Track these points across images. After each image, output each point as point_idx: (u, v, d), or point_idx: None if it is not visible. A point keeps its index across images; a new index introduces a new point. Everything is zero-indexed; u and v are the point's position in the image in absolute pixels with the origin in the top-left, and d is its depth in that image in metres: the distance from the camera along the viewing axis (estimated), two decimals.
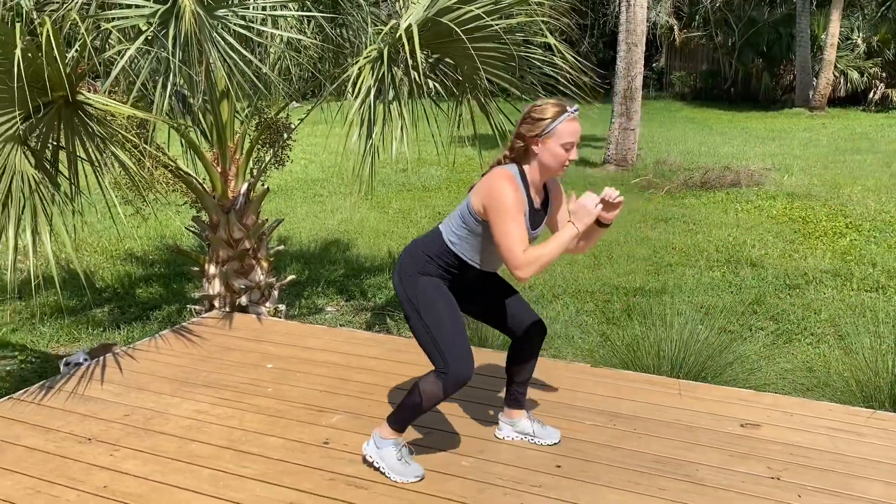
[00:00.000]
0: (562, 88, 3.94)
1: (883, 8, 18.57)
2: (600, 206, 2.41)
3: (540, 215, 2.60)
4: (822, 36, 17.30)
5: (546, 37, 3.72)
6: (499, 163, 2.58)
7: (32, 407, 3.14)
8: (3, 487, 2.54)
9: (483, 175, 2.56)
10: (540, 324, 2.80)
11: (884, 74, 17.66)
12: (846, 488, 2.54)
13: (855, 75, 17.68)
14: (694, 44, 20.83)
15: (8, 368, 4.48)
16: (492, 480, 2.59)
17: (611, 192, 2.45)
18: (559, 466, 2.68)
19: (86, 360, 3.45)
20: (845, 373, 3.73)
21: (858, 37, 18.06)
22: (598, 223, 2.53)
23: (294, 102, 6.68)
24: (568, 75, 3.84)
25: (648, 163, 11.13)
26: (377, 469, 2.62)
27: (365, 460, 2.66)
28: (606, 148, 11.13)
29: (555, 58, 3.82)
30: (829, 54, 16.62)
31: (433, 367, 2.54)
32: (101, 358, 3.65)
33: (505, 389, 2.91)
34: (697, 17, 20.51)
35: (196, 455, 2.76)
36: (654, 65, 21.36)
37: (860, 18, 18.59)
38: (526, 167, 2.51)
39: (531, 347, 2.81)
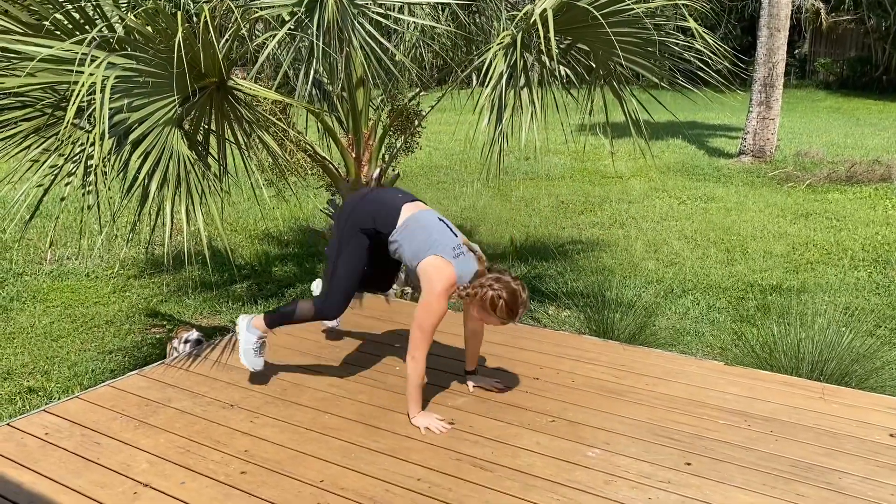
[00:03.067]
0: (701, 74, 3.80)
1: None
2: (429, 427, 2.86)
3: None
4: None
5: (687, 20, 3.58)
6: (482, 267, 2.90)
7: (182, 373, 3.38)
8: (157, 445, 2.75)
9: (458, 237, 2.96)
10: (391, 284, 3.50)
11: None
12: None
13: None
14: (842, 28, 19.42)
15: (158, 336, 4.84)
16: (618, 473, 2.55)
17: (444, 426, 2.86)
18: (689, 464, 2.60)
19: (200, 338, 3.74)
20: None
21: None
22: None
23: (422, 91, 6.78)
24: (707, 61, 3.69)
25: (788, 155, 10.53)
26: (238, 340, 3.19)
27: (233, 326, 3.00)
28: (743, 138, 10.62)
29: (695, 43, 3.68)
30: None
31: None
32: None
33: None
34: None
35: (329, 427, 2.88)
36: (796, 51, 20.10)
37: None
38: (471, 297, 2.84)
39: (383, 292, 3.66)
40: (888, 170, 8.97)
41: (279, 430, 2.86)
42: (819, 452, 2.67)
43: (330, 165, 4.49)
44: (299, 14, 3.51)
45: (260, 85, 3.82)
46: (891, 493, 2.43)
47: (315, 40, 3.38)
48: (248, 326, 3.19)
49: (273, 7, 3.66)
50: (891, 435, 2.79)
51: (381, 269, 3.30)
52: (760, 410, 2.98)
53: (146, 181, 3.29)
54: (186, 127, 3.51)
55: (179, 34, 2.95)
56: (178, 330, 3.87)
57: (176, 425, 2.90)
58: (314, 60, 3.48)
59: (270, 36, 3.63)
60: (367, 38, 3.62)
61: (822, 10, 19.46)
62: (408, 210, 3.00)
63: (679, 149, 11.61)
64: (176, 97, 3.21)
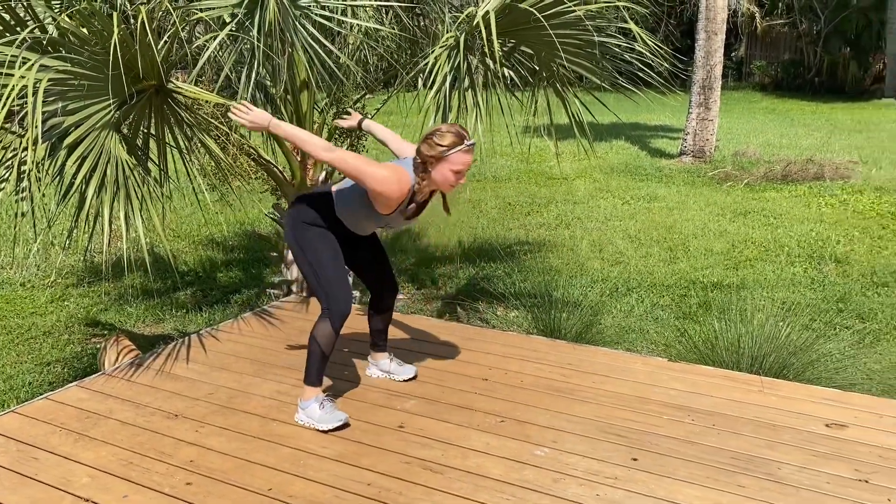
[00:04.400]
0: (642, 76, 3.88)
1: None
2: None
3: (419, 211, 2.94)
4: None
5: (627, 22, 3.65)
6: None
7: (124, 383, 3.29)
8: (99, 458, 2.67)
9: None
10: (394, 284, 3.30)
11: None
12: None
13: None
14: (776, 32, 20.07)
15: (99, 346, 4.71)
16: (566, 471, 2.58)
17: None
18: (635, 459, 2.65)
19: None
20: None
21: None
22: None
23: (368, 94, 6.74)
24: (647, 63, 3.77)
25: (727, 154, 10.82)
26: (308, 427, 2.85)
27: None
28: (683, 139, 10.87)
29: (635, 45, 3.76)
30: None
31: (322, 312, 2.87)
32: (186, 338, 3.79)
33: (370, 336, 3.34)
34: (781, 3, 19.75)
35: (277, 434, 2.85)
36: (733, 54, 20.69)
37: None
38: (422, 179, 2.78)
39: (388, 301, 3.29)
40: (821, 168, 9.30)
41: (226, 439, 2.81)
42: (759, 444, 2.75)
43: (275, 169, 4.43)
44: (240, 16, 3.46)
45: (201, 88, 3.76)
46: (826, 481, 2.51)
47: (256, 42, 3.33)
48: (304, 404, 2.90)
49: (213, 9, 3.60)
50: (826, 425, 2.89)
51: (355, 252, 3.15)
52: (703, 405, 3.05)
53: (83, 186, 3.20)
54: (125, 131, 3.42)
55: (115, 36, 2.88)
56: (111, 339, 3.77)
57: (118, 437, 2.82)
58: (255, 63, 3.43)
59: (211, 38, 3.56)
60: (310, 40, 3.59)
61: (758, 14, 20.08)
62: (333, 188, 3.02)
63: (622, 150, 11.82)
64: (112, 100, 3.13)
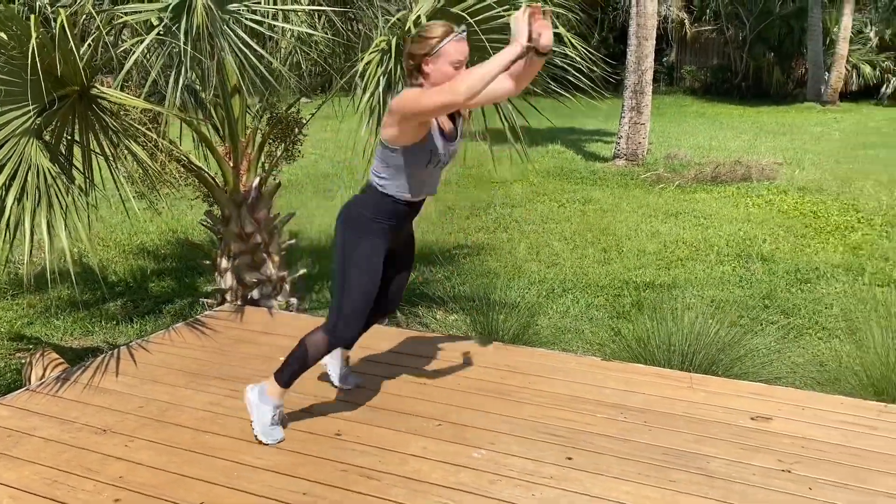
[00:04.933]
0: (572, 80, 3.94)
1: (895, 2, 18.41)
2: (527, 13, 2.44)
3: (450, 138, 2.68)
4: (835, 30, 17.18)
5: (557, 28, 3.71)
6: None
7: (49, 399, 3.18)
8: (21, 477, 2.57)
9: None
10: (394, 306, 3.10)
11: None
12: (857, 481, 2.54)
13: (867, 69, 17.55)
14: (705, 38, 20.70)
15: (24, 361, 4.52)
16: (504, 472, 2.60)
17: (532, 7, 2.47)
18: (570, 458, 2.69)
19: None
20: (857, 367, 3.72)
21: (871, 30, 17.92)
22: (538, 52, 2.56)
23: (304, 98, 6.66)
24: (579, 67, 3.84)
25: (659, 157, 11.10)
26: (250, 420, 2.78)
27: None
28: (617, 143, 11.10)
29: (565, 49, 3.82)
30: (841, 48, 16.51)
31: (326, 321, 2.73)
32: (115, 350, 3.69)
33: None
34: (708, 10, 20.39)
35: (210, 446, 2.79)
36: (664, 59, 21.24)
37: (873, 12, 18.44)
38: (420, 86, 2.53)
39: (379, 318, 3.13)
40: (748, 170, 9.62)
41: (157, 453, 2.74)
42: (689, 439, 2.82)
43: (206, 175, 4.35)
44: (166, 20, 3.38)
45: (127, 93, 3.66)
46: (753, 472, 2.60)
47: (183, 46, 3.27)
48: (261, 397, 2.77)
49: (140, 12, 3.51)
50: (752, 418, 2.99)
51: (392, 264, 2.88)
52: (635, 402, 3.12)
53: (2, 195, 3.08)
54: (47, 138, 3.31)
55: (33, 40, 2.78)
56: (36, 353, 3.64)
57: (42, 455, 2.72)
58: (183, 67, 3.36)
59: (138, 42, 3.47)
60: (240, 44, 3.54)
61: (687, 21, 20.67)
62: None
63: (558, 153, 12.00)
64: (32, 106, 3.02)
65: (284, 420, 2.87)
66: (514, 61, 2.47)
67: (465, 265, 6.28)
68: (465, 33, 2.53)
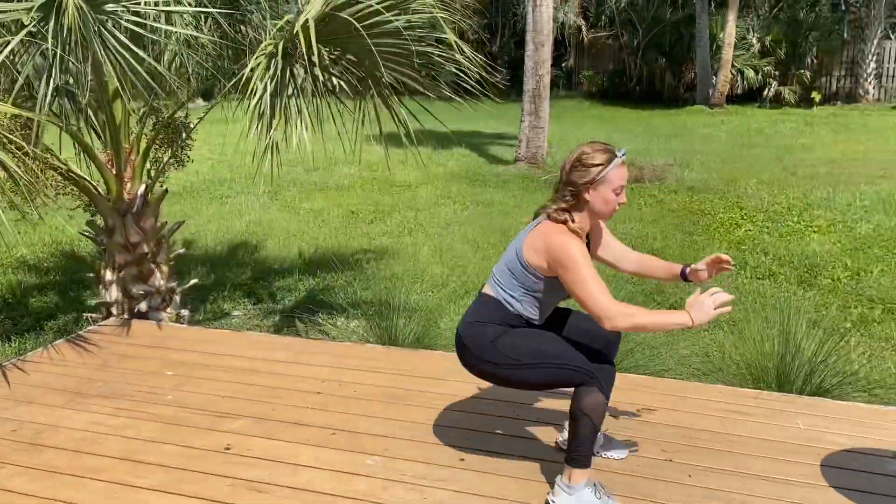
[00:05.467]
0: (465, 86, 3.98)
1: (775, 9, 19.57)
2: (721, 310, 2.32)
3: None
4: (721, 36, 18.08)
5: (446, 33, 3.74)
6: (544, 209, 2.50)
7: None
8: None
9: (532, 228, 2.50)
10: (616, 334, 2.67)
11: (776, 73, 18.59)
12: (734, 466, 2.67)
13: (751, 74, 18.53)
14: (601, 43, 21.39)
15: None
16: (396, 477, 2.59)
17: (723, 297, 2.34)
18: (462, 459, 2.70)
19: None
20: (737, 357, 3.91)
21: (753, 37, 18.95)
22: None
23: (200, 100, 6.47)
24: (472, 73, 3.88)
25: (558, 160, 11.36)
26: None
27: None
28: (518, 146, 11.30)
29: (455, 55, 3.85)
30: (726, 54, 17.39)
31: (575, 387, 2.40)
32: None
33: None
34: (604, 17, 21.08)
35: (89, 468, 2.65)
36: (563, 64, 21.81)
37: (755, 19, 19.52)
38: (575, 215, 2.43)
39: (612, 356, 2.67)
40: (641, 171, 9.99)
41: (30, 479, 2.59)
42: (558, 431, 2.88)
43: (87, 184, 4.15)
44: (34, 21, 3.20)
45: None
46: (637, 463, 2.68)
47: (52, 48, 3.10)
48: (571, 488, 2.42)
49: (8, 12, 3.32)
50: (638, 410, 3.09)
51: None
52: (524, 399, 3.17)
53: None
54: None
55: None
56: None
57: None
58: (55, 71, 3.20)
59: (3, 44, 3.27)
60: (119, 47, 3.40)
61: (584, 27, 21.30)
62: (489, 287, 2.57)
63: (462, 157, 12.12)
64: None
65: (606, 489, 2.48)
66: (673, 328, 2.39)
67: (368, 270, 6.24)
68: (625, 156, 2.41)
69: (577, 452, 2.39)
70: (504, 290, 2.48)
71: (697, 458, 2.71)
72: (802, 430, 2.94)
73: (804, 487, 2.53)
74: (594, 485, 2.43)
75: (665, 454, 2.74)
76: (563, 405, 3.09)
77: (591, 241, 2.62)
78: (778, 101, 18.38)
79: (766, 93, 18.56)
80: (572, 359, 2.38)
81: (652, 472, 2.63)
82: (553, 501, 2.43)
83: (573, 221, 2.42)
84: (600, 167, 2.36)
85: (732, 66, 17.88)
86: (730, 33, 17.28)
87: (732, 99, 18.50)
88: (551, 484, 2.50)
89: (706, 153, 11.92)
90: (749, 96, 18.90)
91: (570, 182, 2.40)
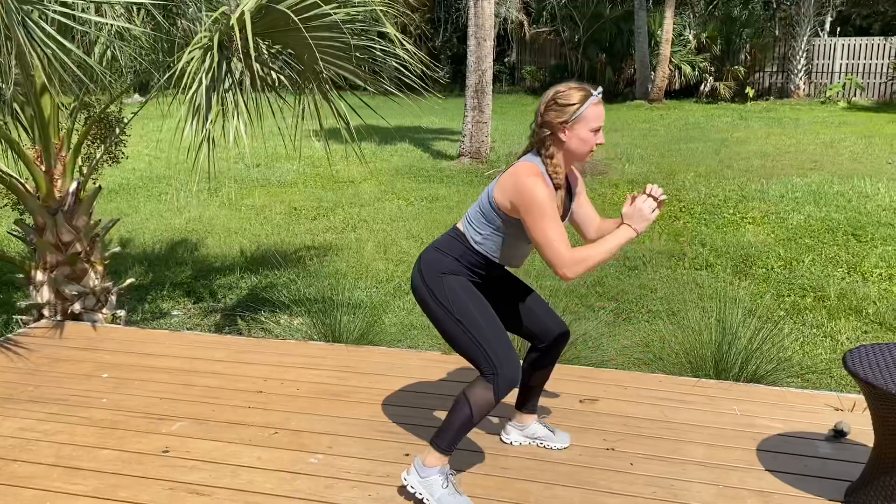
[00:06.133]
0: (407, 81, 3.96)
1: (711, 7, 20.06)
2: (656, 211, 2.34)
3: (564, 207, 2.48)
4: (659, 32, 18.45)
5: (385, 27, 3.71)
6: (522, 153, 2.46)
7: None
8: None
9: (506, 169, 2.44)
10: (561, 322, 2.68)
11: (712, 68, 19.08)
12: (674, 453, 2.73)
13: (688, 69, 18.97)
14: (543, 39, 21.60)
15: None
16: (340, 475, 2.57)
17: (655, 189, 2.35)
18: (407, 454, 2.69)
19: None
20: (676, 346, 4.00)
21: (690, 33, 19.41)
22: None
23: (136, 95, 6.29)
24: (414, 68, 3.86)
25: (501, 155, 11.43)
26: (421, 501, 2.37)
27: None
28: (461, 141, 11.32)
29: (396, 49, 3.83)
30: (664, 50, 17.76)
31: (478, 372, 2.38)
32: None
33: (518, 394, 2.79)
34: (545, 13, 21.28)
35: (19, 476, 2.55)
36: (506, 59, 21.96)
37: (691, 16, 19.98)
38: (551, 157, 2.38)
39: (554, 350, 2.69)
40: (582, 166, 10.14)
41: None
42: (501, 427, 2.91)
43: (14, 181, 3.99)
44: None
45: None
46: (579, 452, 2.72)
47: None
48: (422, 471, 2.38)
49: None
50: (580, 401, 3.13)
51: (500, 300, 2.63)
52: None
53: None
54: None
55: None
56: None
57: None
58: None
59: None
60: (45, 38, 3.27)
61: (525, 22, 21.47)
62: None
63: (406, 152, 12.08)
64: None
65: (458, 485, 2.45)
66: (624, 246, 2.35)
67: (312, 267, 6.17)
68: (601, 94, 2.34)
69: (443, 436, 2.37)
70: (471, 226, 2.46)
71: (639, 447, 2.76)
72: (739, 415, 3.02)
73: (741, 472, 2.60)
74: (447, 475, 2.39)
75: (607, 443, 2.79)
76: (509, 401, 3.11)
77: (572, 189, 2.56)
78: (714, 97, 18.86)
79: (702, 88, 19.03)
80: (490, 346, 2.34)
81: (594, 461, 2.66)
82: (405, 478, 2.41)
83: (548, 164, 2.37)
84: (576, 105, 2.31)
85: (670, 62, 18.27)
86: (667, 30, 17.65)
87: (670, 94, 18.92)
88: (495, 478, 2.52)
89: (645, 147, 12.16)
90: (686, 92, 19.35)
91: (546, 123, 2.35)
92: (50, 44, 3.28)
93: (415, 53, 3.80)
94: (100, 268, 4.19)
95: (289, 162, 10.85)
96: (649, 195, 2.34)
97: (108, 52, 4.30)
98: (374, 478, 2.55)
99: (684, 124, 14.95)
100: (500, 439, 2.81)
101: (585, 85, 2.36)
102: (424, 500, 2.37)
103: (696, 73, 18.98)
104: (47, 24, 3.34)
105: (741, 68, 18.88)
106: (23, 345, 3.70)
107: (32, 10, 3.31)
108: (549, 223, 2.27)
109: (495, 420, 2.96)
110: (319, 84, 4.06)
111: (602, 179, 9.63)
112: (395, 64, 3.91)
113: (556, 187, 2.38)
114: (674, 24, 18.09)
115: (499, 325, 2.40)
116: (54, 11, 3.38)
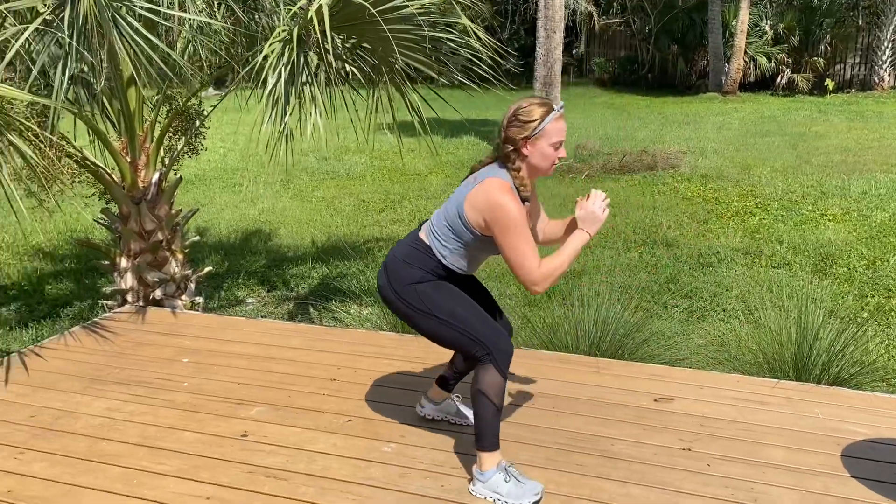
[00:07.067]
0: (481, 73, 3.95)
1: None
2: (607, 211, 2.42)
3: (531, 212, 2.57)
4: (733, 23, 17.91)
5: (461, 18, 3.71)
6: (482, 165, 2.51)
7: None
8: None
9: (470, 176, 2.50)
10: (508, 322, 2.77)
11: (790, 60, 18.41)
12: (752, 455, 2.65)
13: (763, 61, 18.37)
14: (612, 30, 21.23)
15: None
16: (412, 465, 2.60)
17: (600, 194, 2.46)
18: None
19: None
20: (753, 346, 3.89)
21: (766, 24, 18.77)
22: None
23: (211, 89, 6.45)
24: (485, 59, 3.85)
25: (568, 149, 11.31)
26: (494, 502, 2.40)
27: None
28: None
29: (471, 41, 3.83)
30: (739, 41, 17.23)
31: (475, 359, 2.44)
32: (5, 358, 3.48)
33: (442, 374, 2.88)
34: (615, 3, 20.91)
35: (107, 454, 2.67)
36: (574, 51, 21.68)
37: (768, 6, 19.32)
38: (514, 171, 2.43)
39: None
40: (654, 159, 9.93)
41: (49, 464, 2.60)
42: (594, 423, 2.89)
43: (102, 171, 4.15)
44: (50, 8, 3.20)
45: (13, 85, 3.45)
46: (654, 452, 2.68)
47: (68, 36, 3.10)
48: (483, 476, 2.42)
49: (21, 1, 3.31)
50: (655, 400, 3.08)
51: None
52: (542, 389, 3.17)
53: None
54: None
55: None
56: None
57: None
58: (70, 59, 3.19)
59: (19, 32, 3.27)
60: (133, 34, 3.39)
61: (595, 13, 21.14)
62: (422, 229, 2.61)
63: (472, 146, 12.08)
64: None
65: (521, 473, 2.46)
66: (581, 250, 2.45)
67: (379, 258, 6.24)
68: (562, 109, 2.41)
69: (482, 434, 2.42)
70: (438, 240, 2.51)
71: (716, 448, 2.70)
72: (821, 419, 2.92)
73: (824, 477, 2.52)
74: (505, 469, 2.42)
75: (683, 443, 2.73)
76: (586, 398, 3.08)
77: (529, 202, 2.60)
78: (791, 89, 18.21)
79: (779, 80, 18.40)
80: (476, 329, 2.42)
81: (670, 461, 2.62)
82: (472, 490, 2.45)
83: (515, 177, 2.42)
84: (537, 121, 2.37)
85: (745, 53, 17.72)
86: (743, 20, 17.11)
87: (745, 86, 18.36)
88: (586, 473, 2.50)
89: (719, 141, 11.84)
90: (762, 84, 18.74)
91: (508, 138, 2.41)
92: (138, 39, 3.40)
93: (488, 44, 3.79)
94: (180, 256, 4.33)
95: (357, 155, 10.98)
96: (600, 203, 2.45)
97: (190, 47, 4.43)
98: (447, 469, 2.56)
99: (760, 118, 14.48)
100: (416, 411, 2.90)
101: (547, 100, 2.44)
102: (497, 501, 2.39)
103: (773, 64, 18.35)
104: (134, 19, 3.45)
105: (820, 60, 18.17)
106: (108, 328, 3.86)
107: (122, 7, 3.44)
108: (521, 241, 2.34)
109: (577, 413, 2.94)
110: (393, 76, 4.09)
111: (673, 173, 9.42)
112: (467, 55, 3.91)
113: (524, 200, 2.45)
114: (749, 14, 17.52)
115: (476, 307, 2.49)
116: (141, 8, 3.50)
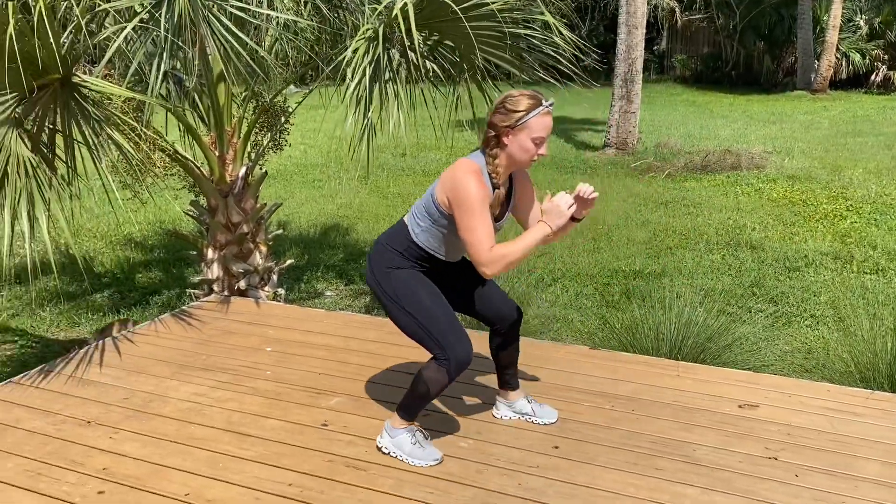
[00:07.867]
0: (562, 69, 3.92)
1: None
2: (573, 207, 2.38)
3: (497, 219, 2.53)
4: (825, 18, 17.19)
5: (545, 15, 3.68)
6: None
7: (32, 391, 3.15)
8: (4, 470, 2.55)
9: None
10: (514, 307, 2.78)
11: (886, 56, 17.56)
12: (843, 468, 2.54)
13: (857, 57, 17.58)
14: (695, 26, 20.68)
15: (8, 353, 4.49)
16: (490, 461, 2.60)
17: (585, 188, 2.43)
18: (556, 447, 2.68)
19: None
20: (844, 354, 3.73)
21: (861, 18, 17.95)
22: (571, 217, 2.47)
23: (293, 87, 6.63)
24: (567, 56, 3.81)
25: (649, 146, 11.09)
26: (395, 457, 2.59)
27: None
28: (607, 131, 11.09)
29: (553, 37, 3.79)
30: (830, 36, 16.52)
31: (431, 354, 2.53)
32: (101, 342, 3.66)
33: (497, 374, 2.91)
34: None
35: (195, 437, 2.77)
36: (655, 48, 21.23)
37: (862, 0, 18.46)
38: (494, 157, 2.45)
39: (512, 332, 2.81)
40: (738, 159, 9.63)
41: (141, 445, 2.72)
42: (675, 427, 2.82)
43: (192, 165, 4.31)
44: (148, 7, 3.34)
45: (111, 82, 3.61)
46: (738, 460, 2.60)
47: (164, 34, 3.22)
48: (391, 432, 2.61)
49: (121, 1, 3.46)
50: (739, 406, 2.99)
51: (452, 287, 2.72)
52: (622, 391, 3.12)
53: None
54: (29, 126, 3.26)
55: (11, 27, 2.73)
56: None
57: (25, 448, 2.69)
58: (165, 55, 3.32)
59: (118, 30, 3.43)
60: (224, 31, 3.50)
61: (677, 9, 20.64)
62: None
63: (549, 143, 12.00)
64: (10, 95, 2.98)
65: (427, 437, 2.65)
66: (541, 243, 2.42)
67: None
68: (551, 106, 2.40)
69: (406, 404, 2.58)
70: (414, 218, 2.56)
71: (804, 458, 2.60)
72: None
73: None
74: (413, 433, 2.59)
75: (769, 452, 2.64)
76: (667, 402, 3.02)
77: (514, 190, 2.62)
78: (887, 87, 17.37)
79: (873, 77, 17.57)
80: (440, 330, 2.46)
81: (756, 469, 2.53)
82: (379, 441, 2.63)
83: (489, 163, 2.44)
84: (522, 113, 2.37)
85: (837, 49, 16.97)
86: (835, 15, 16.40)
87: (835, 84, 17.61)
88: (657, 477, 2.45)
89: (808, 140, 11.39)
90: (854, 82, 17.95)
91: (492, 124, 2.43)
92: (228, 37, 3.51)
93: (571, 40, 3.74)
94: (263, 248, 4.45)
95: (433, 151, 11.05)
96: (577, 195, 2.42)
97: (277, 45, 4.55)
98: (524, 467, 2.55)
99: (852, 117, 13.86)
100: (492, 414, 2.90)
101: (539, 94, 2.41)
102: (398, 457, 2.58)
103: (867, 61, 17.53)
104: (226, 18, 3.56)
105: None
106: (196, 317, 4.00)
107: (213, 5, 3.55)
108: (476, 221, 2.35)
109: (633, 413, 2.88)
110: (474, 74, 4.10)
111: (759, 174, 9.11)
112: (550, 52, 3.87)
113: (495, 187, 2.45)
114: (843, 8, 16.77)
115: (449, 311, 2.51)
116: (232, 6, 3.61)
